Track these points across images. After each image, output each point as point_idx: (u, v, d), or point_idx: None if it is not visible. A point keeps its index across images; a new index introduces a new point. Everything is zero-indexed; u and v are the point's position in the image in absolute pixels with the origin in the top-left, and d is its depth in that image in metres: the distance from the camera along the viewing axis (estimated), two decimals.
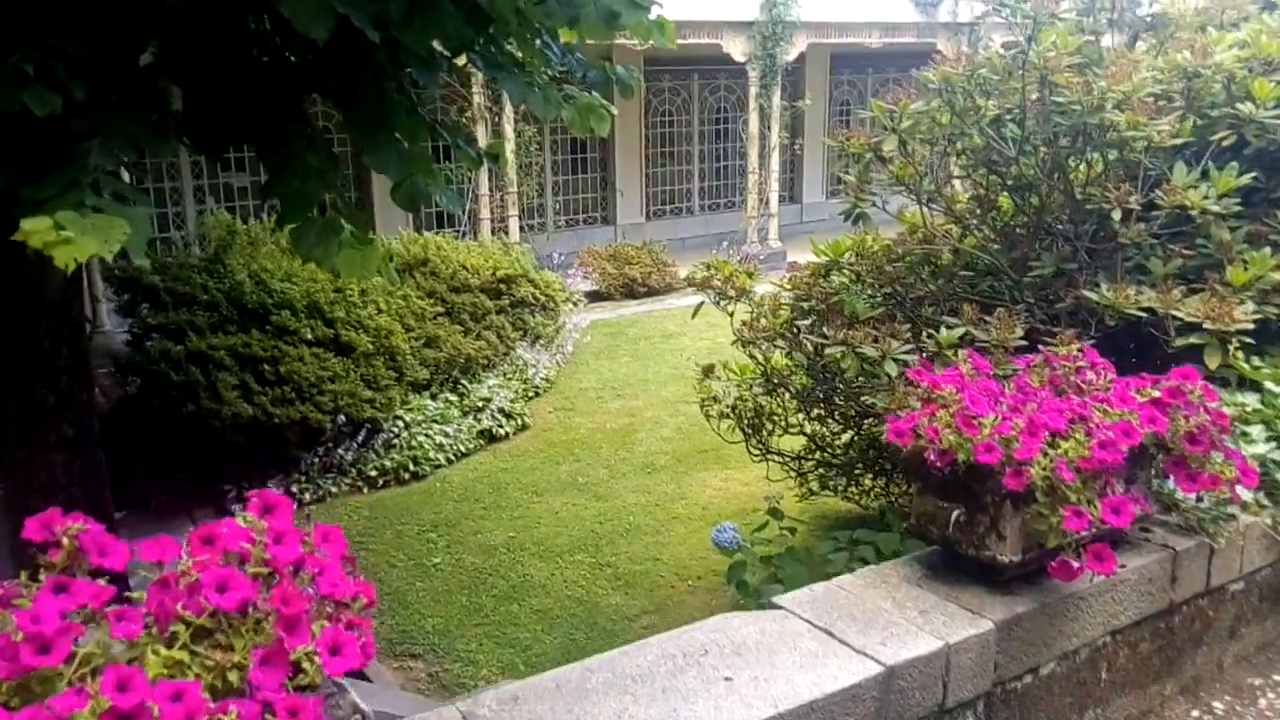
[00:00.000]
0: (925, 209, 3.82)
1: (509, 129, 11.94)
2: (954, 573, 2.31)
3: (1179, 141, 3.29)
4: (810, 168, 17.40)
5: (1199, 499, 2.70)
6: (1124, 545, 2.55)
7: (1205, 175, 3.35)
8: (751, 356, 4.65)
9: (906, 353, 3.53)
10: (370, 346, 7.12)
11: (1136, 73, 3.25)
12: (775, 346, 4.26)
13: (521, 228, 12.71)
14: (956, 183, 4.02)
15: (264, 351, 6.51)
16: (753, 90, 13.61)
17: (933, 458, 2.11)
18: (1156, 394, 2.40)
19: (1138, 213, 3.33)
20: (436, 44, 3.27)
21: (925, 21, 14.49)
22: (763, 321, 4.42)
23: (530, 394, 8.58)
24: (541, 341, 9.43)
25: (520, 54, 3.91)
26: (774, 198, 14.33)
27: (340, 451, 6.70)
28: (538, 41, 3.85)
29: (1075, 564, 2.13)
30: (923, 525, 2.30)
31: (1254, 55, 3.32)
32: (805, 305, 4.10)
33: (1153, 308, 3.17)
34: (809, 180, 17.57)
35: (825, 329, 3.77)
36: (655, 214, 16.04)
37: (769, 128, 13.87)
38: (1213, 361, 3.08)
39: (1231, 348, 3.02)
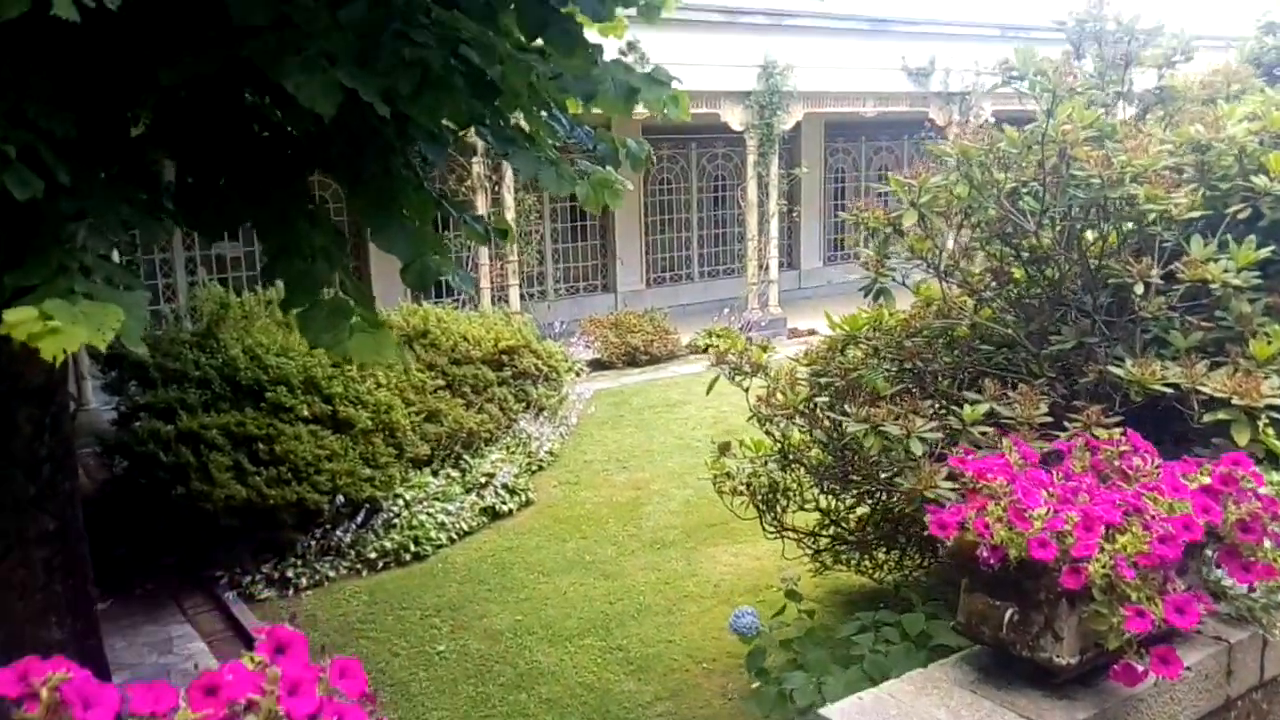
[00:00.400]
0: (943, 283, 3.74)
1: (509, 197, 11.98)
2: (1007, 675, 2.17)
3: (1195, 215, 3.24)
4: (807, 234, 17.50)
5: (1251, 588, 2.56)
6: (1177, 638, 2.41)
7: (1222, 247, 3.29)
8: (768, 433, 4.53)
9: (930, 430, 3.42)
10: (369, 423, 6.96)
11: (1152, 145, 3.21)
12: (794, 424, 4.14)
13: (522, 296, 12.67)
14: (970, 255, 3.95)
15: (259, 430, 6.33)
16: (750, 158, 13.72)
17: (985, 554, 1.98)
18: (1207, 480, 2.29)
19: (1157, 285, 3.26)
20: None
21: (918, 91, 14.68)
22: (780, 397, 4.31)
23: (534, 468, 8.42)
24: (545, 413, 9.29)
25: (528, 126, 3.86)
26: (774, 264, 14.36)
27: (338, 533, 6.50)
28: (544, 114, 3.81)
29: (1139, 668, 1.99)
30: (973, 625, 2.15)
31: (1264, 128, 3.28)
32: (823, 380, 3.99)
33: (1177, 383, 3.08)
34: (806, 246, 17.66)
35: (846, 406, 3.66)
36: (655, 281, 16.06)
37: (767, 195, 13.95)
38: (1241, 438, 2.97)
39: (1261, 424, 2.91)
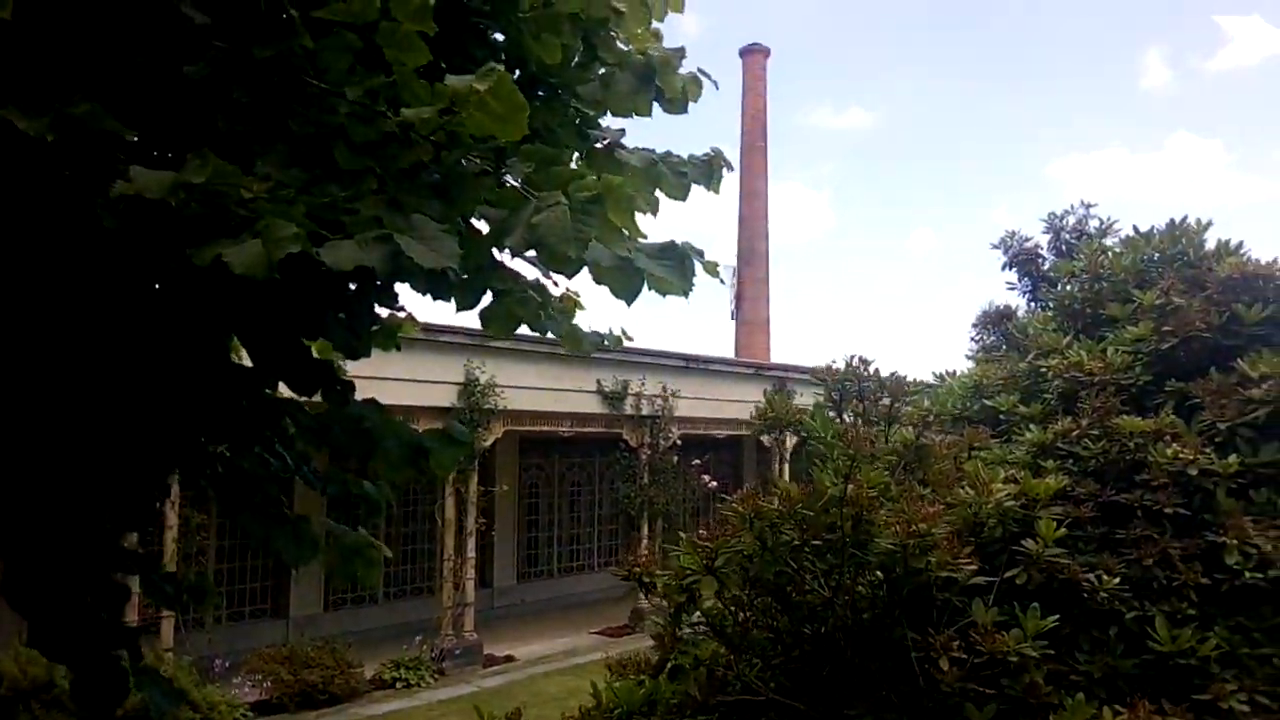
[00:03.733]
0: (737, 659, 3.47)
1: (172, 514, 10.52)
2: None
3: (977, 581, 3.30)
4: (501, 551, 17.06)
5: None
6: None
7: (1001, 611, 3.35)
8: None
9: None
10: None
11: (930, 511, 3.28)
12: None
13: (177, 626, 10.83)
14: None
15: None
16: (450, 476, 13.31)
17: None
18: None
19: (953, 656, 3.21)
20: None
21: (612, 414, 15.40)
22: None
23: None
24: None
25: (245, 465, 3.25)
26: (470, 585, 13.62)
27: None
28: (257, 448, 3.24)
29: None
30: None
31: (1022, 492, 3.50)
32: None
33: None
34: (500, 563, 17.15)
35: None
36: (335, 603, 14.60)
37: (465, 513, 13.49)
38: None
39: None
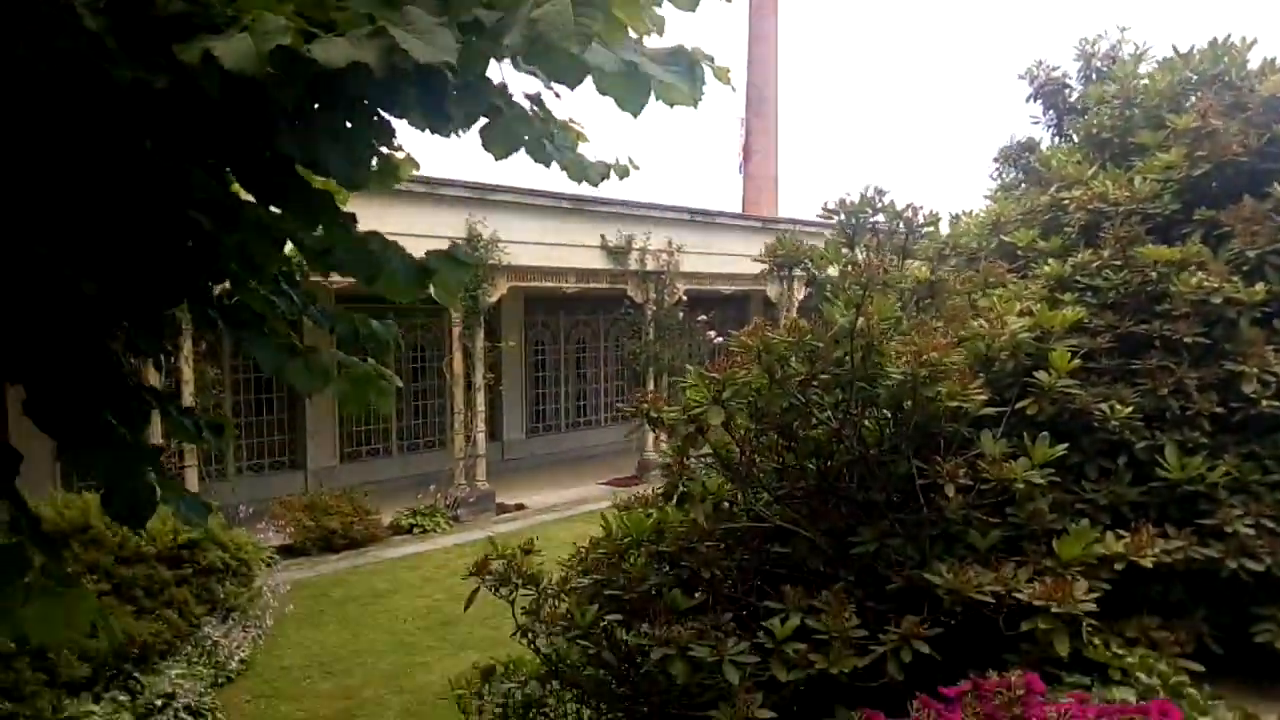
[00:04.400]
0: (744, 488, 3.50)
1: (187, 369, 10.61)
2: None
3: (986, 411, 3.28)
4: (510, 407, 17.26)
5: None
6: None
7: (1010, 443, 3.35)
8: (536, 650, 3.95)
9: (742, 654, 3.07)
10: (10, 644, 5.46)
11: (942, 341, 3.23)
12: (572, 643, 3.61)
13: (201, 477, 11.10)
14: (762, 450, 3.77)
15: None
16: (456, 331, 13.34)
17: None
18: None
19: (959, 484, 3.23)
20: None
21: (617, 269, 15.27)
22: (550, 609, 3.78)
23: (223, 680, 7.09)
24: (234, 614, 7.93)
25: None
26: (481, 438, 13.85)
27: None
28: (260, 287, 3.18)
29: None
30: None
31: (1037, 324, 3.45)
32: (607, 593, 3.54)
33: (996, 590, 2.99)
34: (509, 419, 17.38)
35: (644, 626, 3.22)
36: (350, 456, 14.90)
37: (473, 368, 13.58)
38: (1063, 648, 2.91)
39: (1085, 632, 2.87)
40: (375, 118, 2.63)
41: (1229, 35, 4.23)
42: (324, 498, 11.77)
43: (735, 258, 16.47)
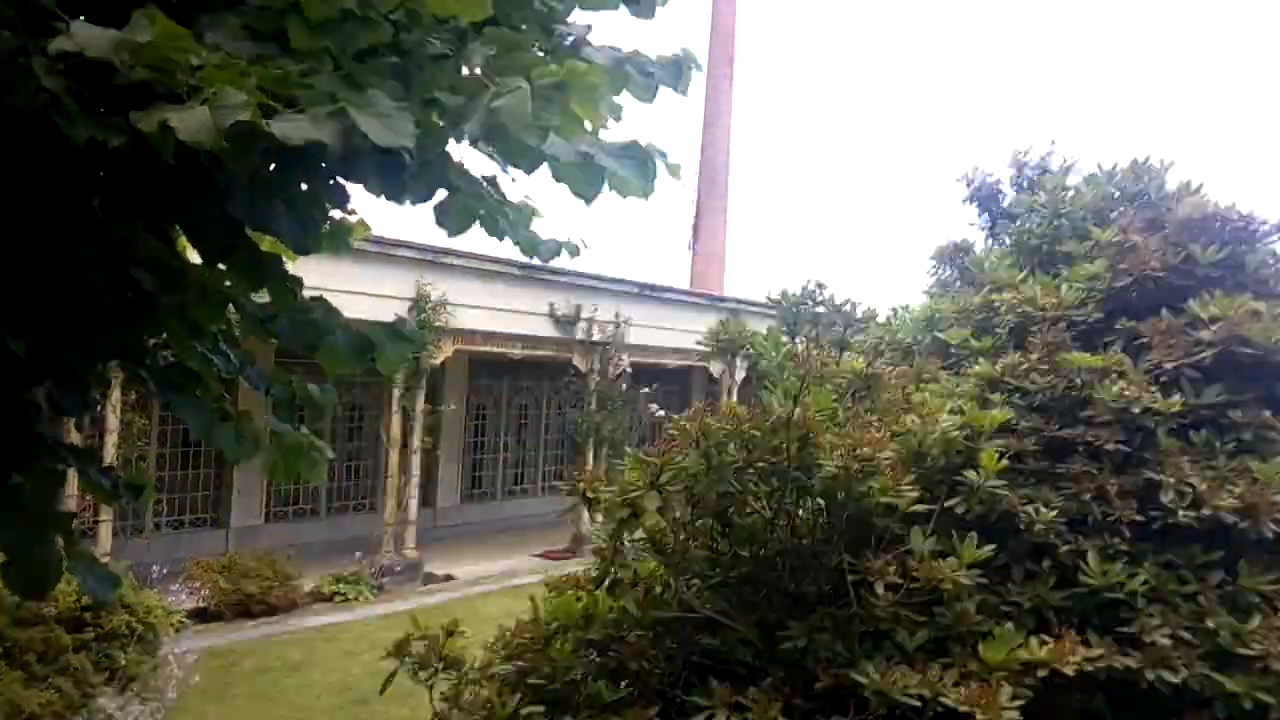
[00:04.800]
0: (677, 578, 3.48)
1: (113, 418, 10.29)
2: None
3: (917, 508, 3.33)
4: (446, 472, 17.02)
5: None
6: None
7: (939, 541, 3.39)
8: None
9: None
10: None
11: (877, 436, 3.29)
12: None
13: (115, 532, 10.69)
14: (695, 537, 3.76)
15: None
16: (396, 392, 13.19)
17: None
18: None
19: (889, 582, 3.26)
20: None
21: (564, 338, 15.33)
22: (467, 695, 3.68)
23: None
24: (134, 684, 7.55)
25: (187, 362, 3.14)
26: (413, 504, 13.60)
27: None
28: (197, 346, 3.12)
29: None
30: None
31: (968, 423, 3.53)
32: (530, 681, 3.46)
33: (923, 694, 3.00)
34: (444, 484, 17.12)
35: (567, 719, 3.16)
36: (276, 515, 14.51)
37: (411, 430, 13.40)
38: None
39: None
40: (331, 182, 2.64)
41: (1149, 156, 4.49)
42: (244, 560, 11.40)
43: (681, 333, 16.66)
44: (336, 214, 2.96)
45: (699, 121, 25.43)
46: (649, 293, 17.05)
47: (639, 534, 3.41)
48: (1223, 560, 3.53)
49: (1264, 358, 3.66)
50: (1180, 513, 3.49)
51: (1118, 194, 4.51)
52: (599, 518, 3.64)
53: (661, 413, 16.13)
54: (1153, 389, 3.72)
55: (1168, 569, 3.53)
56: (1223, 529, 3.54)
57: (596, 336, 15.77)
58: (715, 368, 17.42)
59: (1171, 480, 3.53)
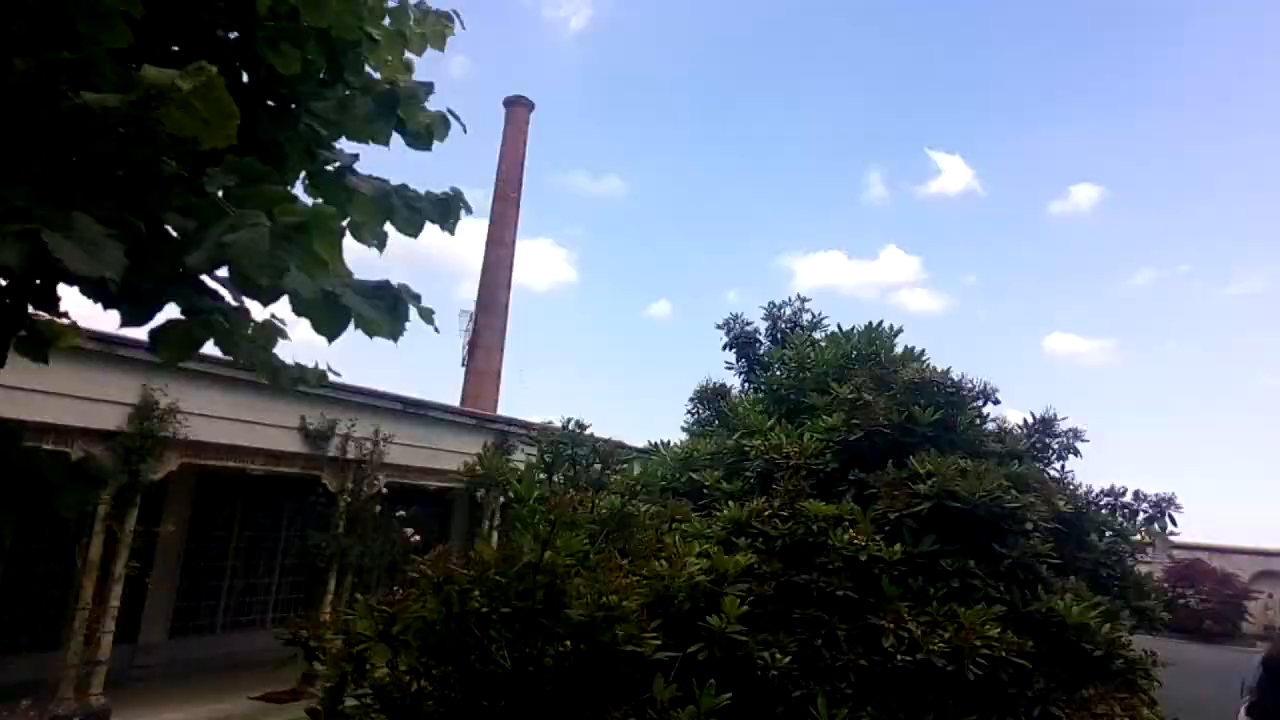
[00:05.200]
0: None
1: None
2: None
3: (661, 656, 3.32)
4: (155, 601, 15.16)
5: None
6: None
7: (681, 686, 3.39)
8: None
9: None
10: None
11: (625, 581, 3.28)
12: None
13: None
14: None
15: None
16: (102, 510, 11.72)
17: None
18: None
19: None
20: None
21: (314, 454, 14.42)
22: None
23: None
24: None
25: None
26: (107, 640, 11.86)
27: None
28: None
29: None
30: None
31: (713, 567, 3.60)
32: None
33: None
34: (151, 616, 15.20)
35: None
36: None
37: (117, 554, 11.88)
38: None
39: None
40: (37, 283, 2.35)
41: (881, 322, 4.96)
42: None
43: (447, 453, 16.13)
44: (43, 316, 2.63)
45: (484, 243, 25.62)
46: (413, 409, 16.48)
47: (366, 686, 3.14)
48: (934, 702, 3.76)
49: (969, 510, 4.02)
50: (899, 657, 3.70)
51: (855, 353, 4.92)
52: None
53: (417, 537, 15.38)
54: (878, 537, 3.98)
55: (886, 712, 3.71)
56: (936, 670, 3.78)
57: (352, 454, 14.94)
58: (480, 492, 16.99)
59: (891, 626, 3.75)
